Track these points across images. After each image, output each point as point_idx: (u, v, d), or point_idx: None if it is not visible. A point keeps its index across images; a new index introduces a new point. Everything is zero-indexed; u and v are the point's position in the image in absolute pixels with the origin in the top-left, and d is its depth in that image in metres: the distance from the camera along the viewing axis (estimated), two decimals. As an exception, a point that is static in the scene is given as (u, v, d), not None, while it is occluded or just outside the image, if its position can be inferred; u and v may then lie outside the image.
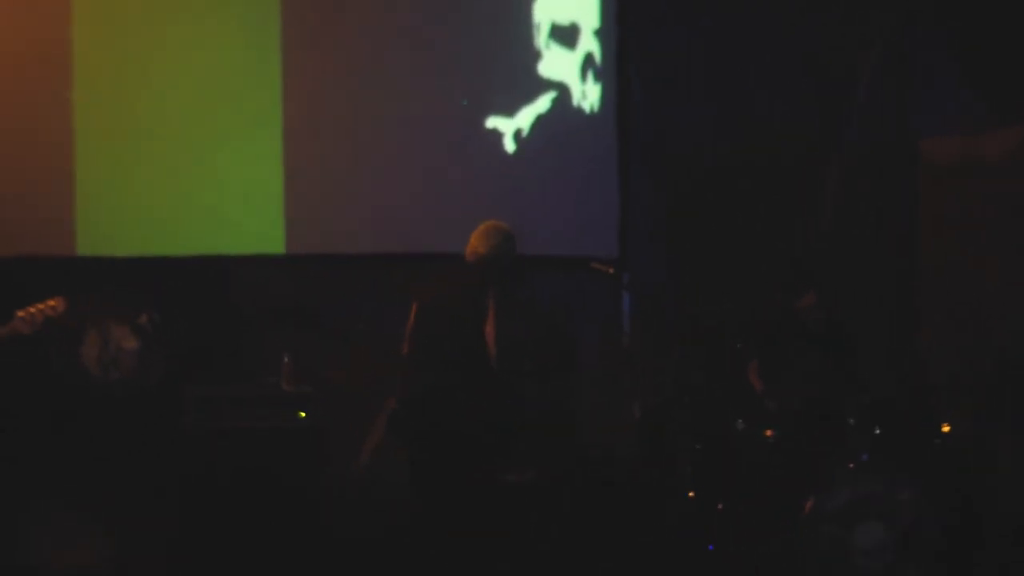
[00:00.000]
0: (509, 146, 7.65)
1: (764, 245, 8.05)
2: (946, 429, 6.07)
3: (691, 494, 6.08)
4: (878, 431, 5.90)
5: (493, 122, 7.62)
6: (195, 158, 7.19)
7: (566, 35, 7.71)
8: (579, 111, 7.78)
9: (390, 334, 6.33)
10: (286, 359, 6.72)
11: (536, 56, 7.65)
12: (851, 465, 5.81)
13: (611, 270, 6.52)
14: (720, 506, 5.96)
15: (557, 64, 7.70)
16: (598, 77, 7.77)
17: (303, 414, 6.55)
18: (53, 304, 5.32)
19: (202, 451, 6.45)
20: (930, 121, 8.08)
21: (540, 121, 7.69)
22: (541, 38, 7.66)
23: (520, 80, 7.65)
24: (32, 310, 5.29)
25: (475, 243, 5.95)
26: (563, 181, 7.73)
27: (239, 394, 6.65)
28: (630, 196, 7.98)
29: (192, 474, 6.41)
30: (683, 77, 8.03)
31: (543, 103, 7.70)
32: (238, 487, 6.36)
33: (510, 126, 7.64)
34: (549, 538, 6.52)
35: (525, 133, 7.66)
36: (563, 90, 7.73)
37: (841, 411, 5.95)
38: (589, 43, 7.76)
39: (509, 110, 7.64)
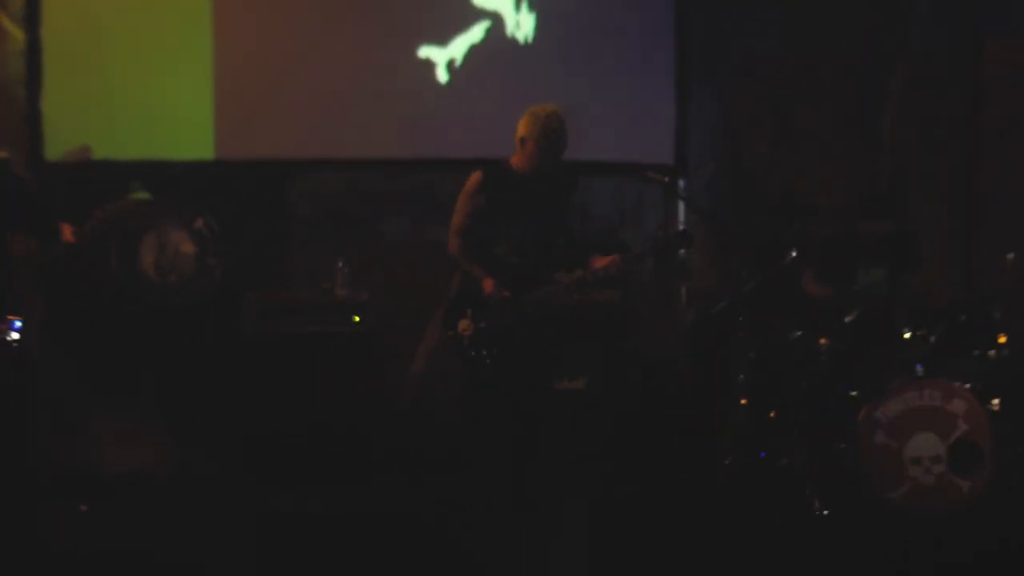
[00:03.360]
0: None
1: (822, 153, 7.98)
2: (1003, 340, 6.00)
3: (743, 402, 6.07)
4: (933, 341, 5.86)
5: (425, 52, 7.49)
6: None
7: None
8: (512, 41, 7.63)
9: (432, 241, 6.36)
10: (340, 264, 6.75)
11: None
12: (906, 375, 5.77)
13: (666, 179, 6.42)
14: (773, 414, 5.95)
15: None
16: (532, 7, 7.63)
17: (357, 318, 6.59)
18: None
19: (259, 356, 6.51)
20: (998, 25, 7.93)
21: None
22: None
23: (453, 9, 7.52)
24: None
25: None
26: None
27: (294, 300, 6.71)
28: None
29: (249, 379, 6.49)
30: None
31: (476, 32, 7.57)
32: (294, 392, 6.43)
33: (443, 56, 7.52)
34: (601, 445, 6.56)
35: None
36: (496, 19, 7.59)
37: (897, 320, 5.89)
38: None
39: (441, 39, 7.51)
